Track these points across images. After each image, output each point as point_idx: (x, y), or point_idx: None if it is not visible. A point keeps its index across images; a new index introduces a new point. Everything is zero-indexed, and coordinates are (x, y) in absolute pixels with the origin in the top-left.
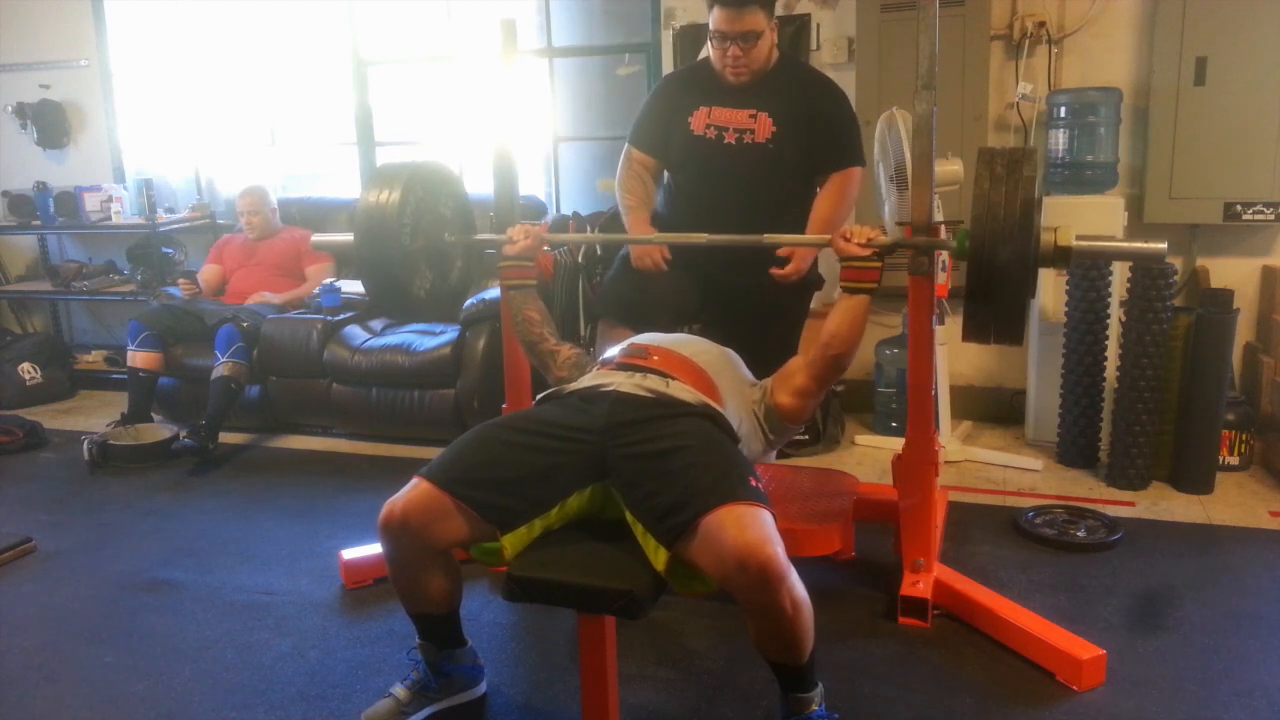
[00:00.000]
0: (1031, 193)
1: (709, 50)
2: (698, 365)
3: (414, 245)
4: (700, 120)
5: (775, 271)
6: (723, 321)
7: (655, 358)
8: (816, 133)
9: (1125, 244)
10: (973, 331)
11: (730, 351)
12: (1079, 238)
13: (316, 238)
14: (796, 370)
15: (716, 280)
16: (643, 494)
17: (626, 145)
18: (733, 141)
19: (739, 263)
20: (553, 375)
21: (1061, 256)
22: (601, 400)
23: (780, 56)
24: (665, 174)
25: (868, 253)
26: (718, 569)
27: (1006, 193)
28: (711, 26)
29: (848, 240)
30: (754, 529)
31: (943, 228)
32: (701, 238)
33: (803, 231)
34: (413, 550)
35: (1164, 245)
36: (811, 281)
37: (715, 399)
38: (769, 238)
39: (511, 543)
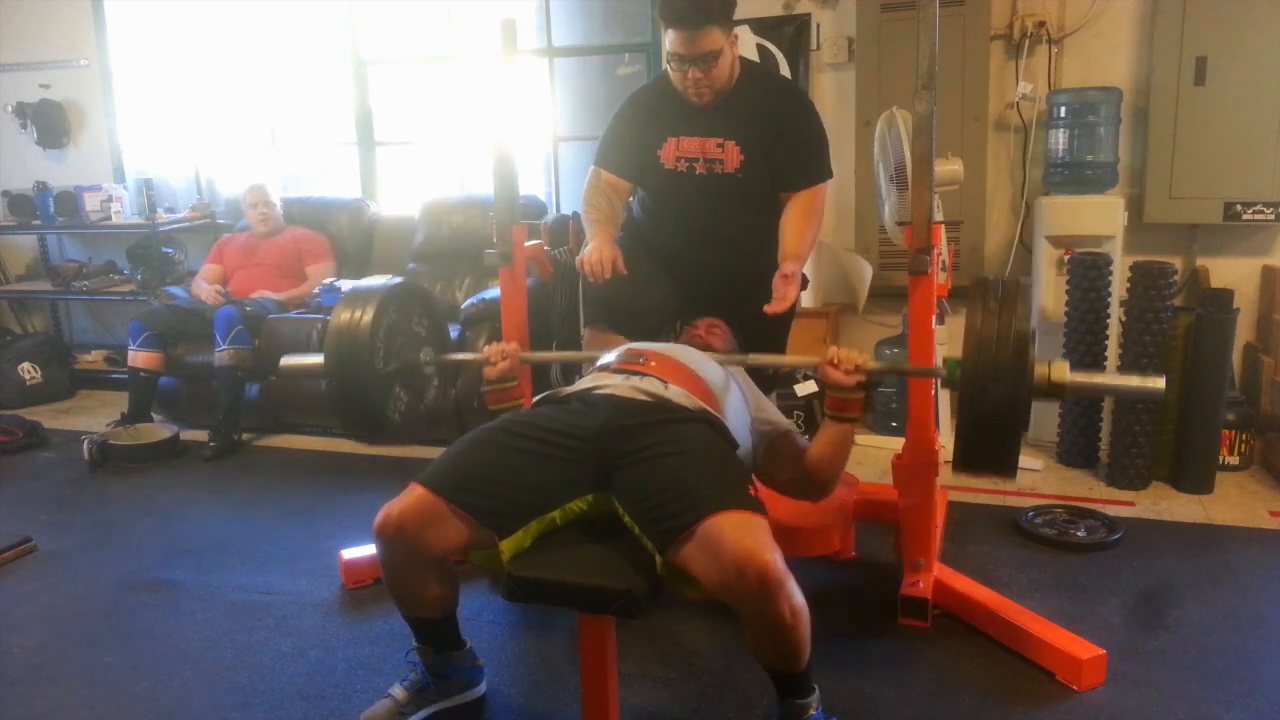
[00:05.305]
0: (1026, 328)
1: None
2: (694, 373)
3: (387, 369)
4: (670, 153)
5: (768, 308)
6: None
7: (653, 363)
8: (782, 148)
9: (1120, 381)
10: (963, 463)
11: (733, 372)
12: (1072, 371)
13: (285, 360)
14: (790, 462)
15: (700, 281)
16: (639, 497)
17: (594, 167)
18: (703, 172)
19: (722, 265)
20: None
21: (1055, 392)
22: (600, 404)
23: (743, 69)
24: (639, 191)
25: (853, 383)
26: (715, 575)
27: (999, 329)
28: (668, 48)
29: (835, 367)
30: (752, 536)
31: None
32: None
33: (776, 249)
34: (408, 557)
35: (1162, 384)
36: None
37: (713, 406)
38: (753, 358)
39: (509, 547)
